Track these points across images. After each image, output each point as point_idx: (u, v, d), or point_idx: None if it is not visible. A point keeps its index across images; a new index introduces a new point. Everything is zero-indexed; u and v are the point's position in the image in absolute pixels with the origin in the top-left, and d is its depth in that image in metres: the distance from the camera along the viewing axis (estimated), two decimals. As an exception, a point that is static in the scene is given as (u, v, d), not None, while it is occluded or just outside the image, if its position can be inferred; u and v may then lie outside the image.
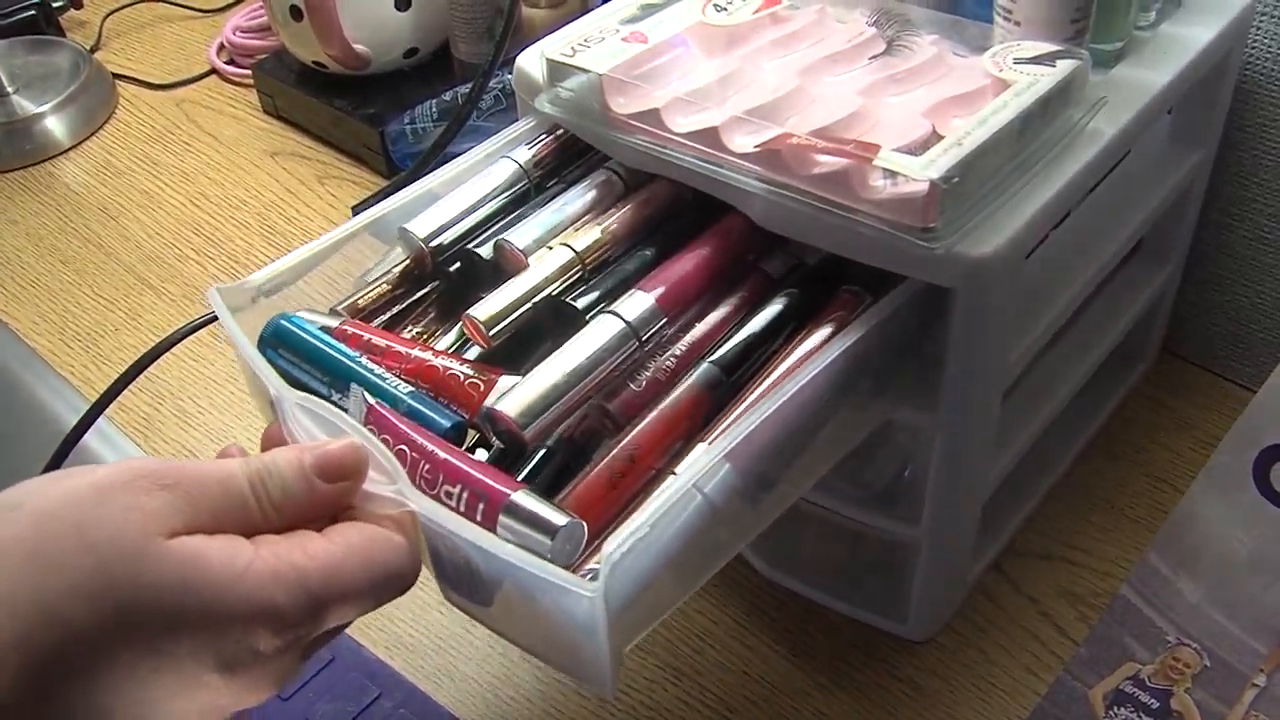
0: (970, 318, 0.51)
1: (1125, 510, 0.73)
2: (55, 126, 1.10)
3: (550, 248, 0.55)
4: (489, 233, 0.58)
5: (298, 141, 1.08)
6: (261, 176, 1.04)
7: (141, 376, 0.71)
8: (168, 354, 0.71)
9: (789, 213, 0.52)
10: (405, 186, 0.75)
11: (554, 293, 0.53)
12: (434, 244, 0.56)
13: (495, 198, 0.58)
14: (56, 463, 0.69)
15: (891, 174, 0.48)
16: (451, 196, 0.58)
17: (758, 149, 0.52)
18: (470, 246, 0.57)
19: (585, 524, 0.43)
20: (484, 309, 0.52)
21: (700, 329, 0.53)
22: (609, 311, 0.51)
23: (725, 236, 0.55)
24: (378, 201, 0.76)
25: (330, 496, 0.42)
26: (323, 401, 0.45)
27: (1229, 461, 0.69)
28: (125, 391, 0.71)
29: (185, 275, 0.95)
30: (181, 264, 0.96)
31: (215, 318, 0.72)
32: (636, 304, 0.51)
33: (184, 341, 0.72)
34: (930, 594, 0.65)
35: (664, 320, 0.51)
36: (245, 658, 0.39)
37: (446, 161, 0.97)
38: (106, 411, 0.72)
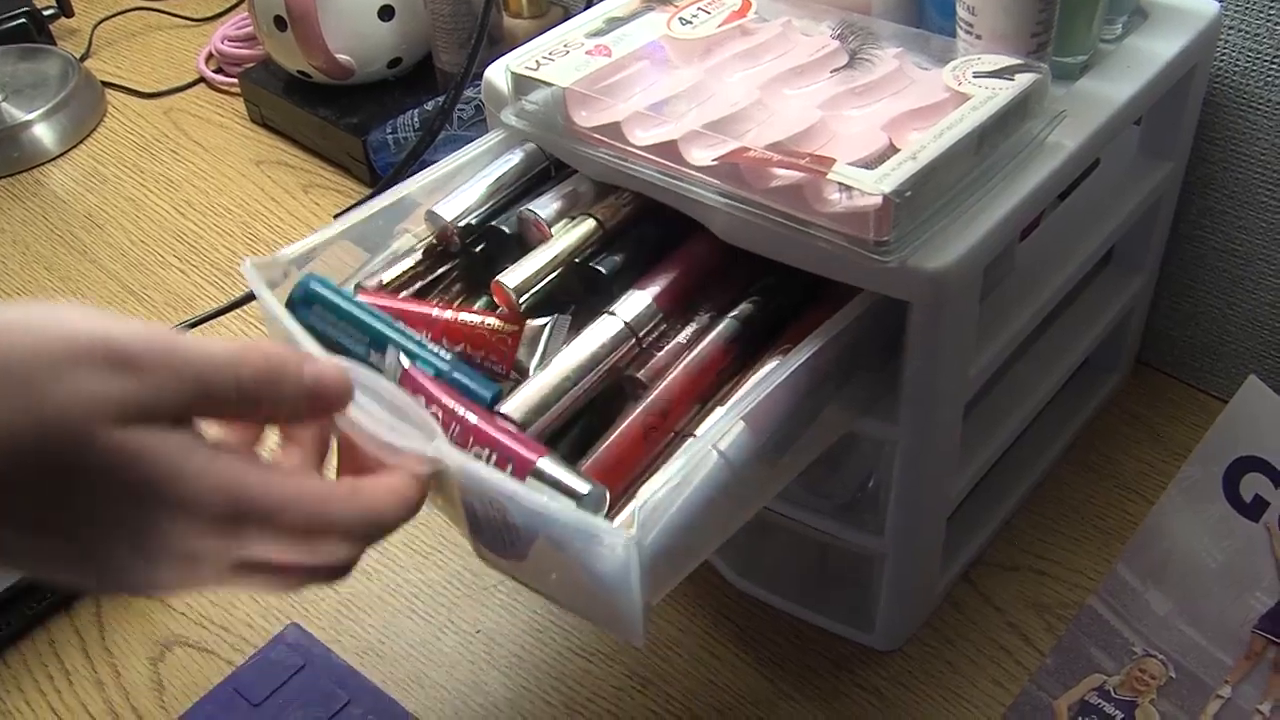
0: (926, 331, 0.52)
1: (1095, 521, 0.73)
2: (44, 134, 1.10)
3: (573, 217, 0.57)
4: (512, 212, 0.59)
5: (283, 150, 1.08)
6: (247, 185, 1.05)
7: (118, 384, 0.71)
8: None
9: (747, 226, 0.52)
10: (380, 194, 0.76)
11: (578, 259, 0.56)
12: (462, 224, 0.58)
13: (519, 179, 0.60)
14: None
15: (846, 188, 0.49)
16: (475, 180, 0.60)
17: (716, 162, 0.52)
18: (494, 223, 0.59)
19: (608, 490, 0.46)
20: (513, 276, 0.54)
21: (716, 301, 0.55)
22: (608, 312, 0.53)
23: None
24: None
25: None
26: (356, 363, 0.46)
27: (1199, 473, 0.69)
28: (102, 399, 0.71)
29: (169, 283, 0.96)
30: (165, 272, 0.97)
31: (195, 324, 0.73)
32: (635, 304, 0.53)
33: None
34: (896, 604, 0.65)
35: (661, 318, 0.53)
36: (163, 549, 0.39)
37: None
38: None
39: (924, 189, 0.49)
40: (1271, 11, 0.66)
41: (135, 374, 0.38)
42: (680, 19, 0.60)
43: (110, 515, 0.38)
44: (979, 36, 0.57)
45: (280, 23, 0.99)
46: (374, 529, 0.42)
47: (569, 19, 0.66)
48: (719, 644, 0.68)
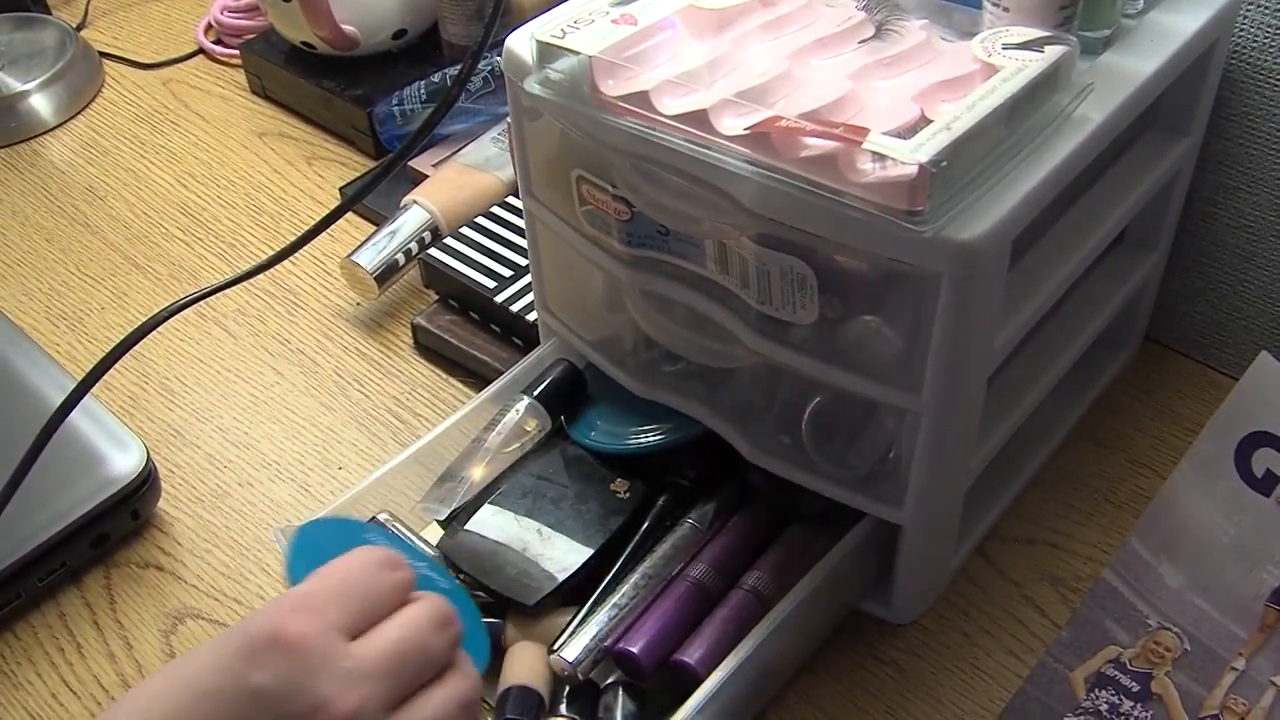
0: (956, 302, 0.52)
1: (1108, 495, 0.74)
2: (41, 105, 1.09)
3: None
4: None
5: (285, 122, 1.08)
6: (249, 157, 1.04)
7: (127, 355, 0.71)
8: (153, 333, 0.71)
9: (778, 196, 0.52)
10: (394, 168, 0.75)
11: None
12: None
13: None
14: (43, 441, 0.69)
15: (880, 157, 0.49)
16: None
17: (747, 132, 0.52)
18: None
19: None
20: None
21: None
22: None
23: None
24: (365, 183, 0.76)
25: None
26: None
27: (1211, 448, 0.70)
28: (111, 370, 0.71)
29: (172, 255, 0.95)
30: (168, 243, 0.96)
31: (201, 297, 0.72)
32: None
33: (170, 320, 0.71)
34: (914, 577, 0.65)
35: None
36: None
37: (435, 143, 0.98)
38: (92, 390, 0.72)
39: (958, 159, 0.49)
40: (1291, -13, 0.66)
41: None
42: (704, -11, 0.60)
43: None
44: (1006, 9, 0.57)
45: (285, -7, 0.98)
46: None
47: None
48: (736, 616, 0.68)
